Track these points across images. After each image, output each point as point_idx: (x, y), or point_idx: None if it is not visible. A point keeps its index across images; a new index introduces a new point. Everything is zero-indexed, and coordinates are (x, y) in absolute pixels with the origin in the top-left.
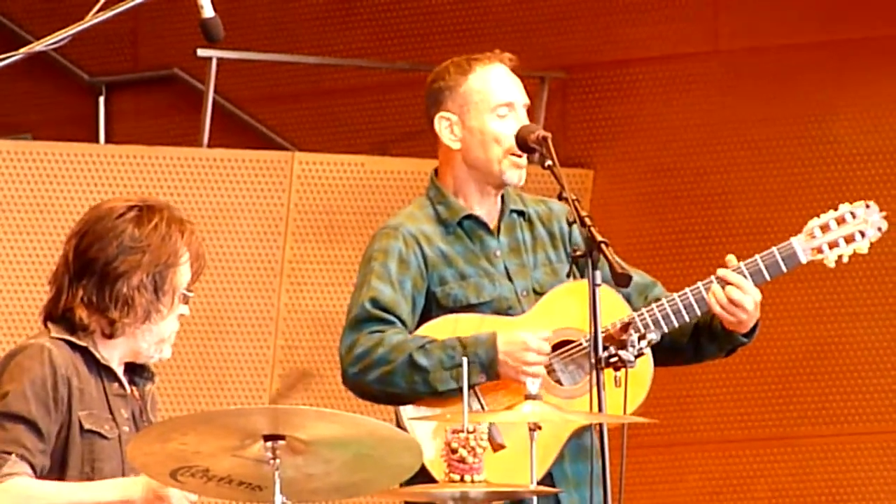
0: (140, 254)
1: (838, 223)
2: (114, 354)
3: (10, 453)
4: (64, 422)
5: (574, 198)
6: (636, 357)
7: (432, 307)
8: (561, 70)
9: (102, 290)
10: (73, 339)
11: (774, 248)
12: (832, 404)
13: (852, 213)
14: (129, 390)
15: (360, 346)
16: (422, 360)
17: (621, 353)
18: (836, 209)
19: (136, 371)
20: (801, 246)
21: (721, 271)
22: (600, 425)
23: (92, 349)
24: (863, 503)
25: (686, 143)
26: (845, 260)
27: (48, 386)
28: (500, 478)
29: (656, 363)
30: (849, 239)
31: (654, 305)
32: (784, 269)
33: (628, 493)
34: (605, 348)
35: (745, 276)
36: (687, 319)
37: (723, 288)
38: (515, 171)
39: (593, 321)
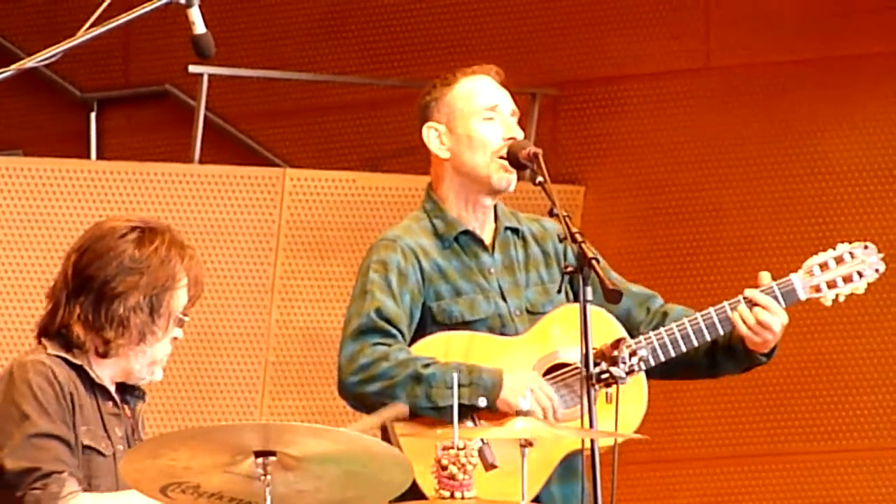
0: (138, 275)
1: (837, 262)
2: (105, 374)
3: (61, 472)
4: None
5: (565, 214)
6: (627, 374)
7: (427, 321)
8: (552, 86)
9: (99, 308)
10: (68, 356)
11: (773, 284)
12: (823, 421)
13: (851, 254)
14: (121, 410)
15: (363, 357)
16: (427, 376)
17: (612, 369)
18: (834, 248)
19: (127, 390)
20: (801, 283)
21: (749, 292)
22: (591, 443)
23: (87, 368)
24: None
25: (677, 159)
26: (841, 300)
27: (60, 402)
28: (491, 497)
29: (672, 377)
30: (847, 279)
31: (674, 325)
32: (783, 304)
33: None
34: (596, 364)
35: (777, 297)
36: (708, 339)
37: (750, 309)
38: (504, 176)
39: (584, 337)
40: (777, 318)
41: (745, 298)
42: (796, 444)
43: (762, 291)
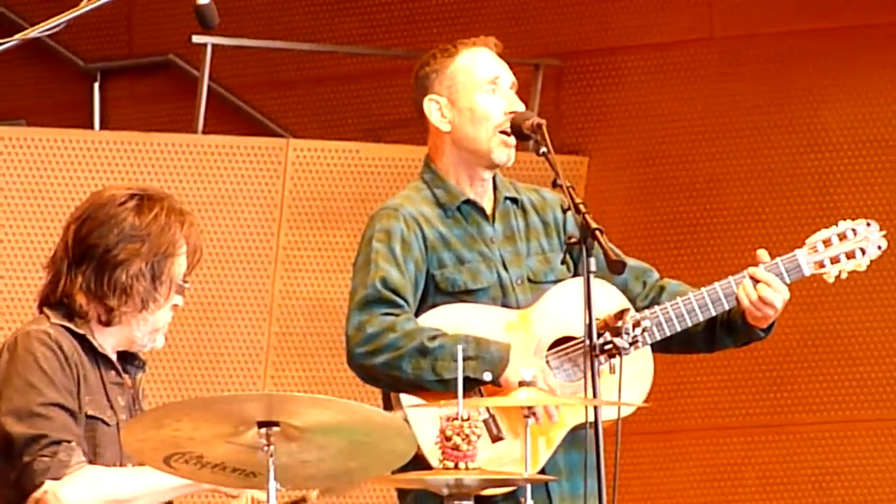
0: (139, 242)
1: (840, 239)
2: (108, 342)
3: (70, 441)
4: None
5: (568, 185)
6: (631, 344)
7: (430, 289)
8: (555, 57)
9: (101, 277)
10: (71, 326)
11: (779, 259)
12: (824, 392)
13: (853, 230)
14: (123, 379)
15: (371, 327)
16: (432, 346)
17: (616, 340)
18: (836, 225)
19: (128, 359)
20: (805, 259)
21: (751, 269)
22: (595, 412)
23: (90, 337)
24: (854, 490)
25: (680, 130)
26: (843, 276)
27: (66, 372)
28: (497, 468)
29: (669, 351)
30: (850, 255)
31: (679, 301)
32: (787, 280)
33: (621, 480)
34: (599, 335)
35: (781, 273)
36: (713, 313)
37: (754, 285)
38: (504, 150)
39: (587, 308)
40: (779, 294)
41: (749, 275)
42: (798, 415)
43: (766, 268)
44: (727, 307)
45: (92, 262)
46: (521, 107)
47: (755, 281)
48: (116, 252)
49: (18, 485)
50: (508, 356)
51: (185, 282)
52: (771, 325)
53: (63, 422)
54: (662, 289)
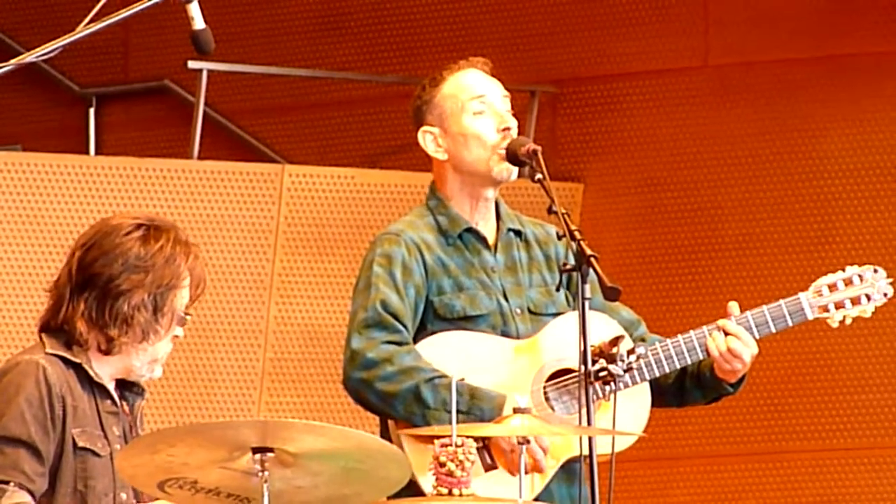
0: (143, 273)
1: (845, 284)
2: (106, 371)
3: (8, 482)
4: (58, 440)
5: (564, 211)
6: (625, 371)
7: (429, 315)
8: (551, 84)
9: (103, 306)
10: (67, 355)
11: (782, 302)
12: (821, 420)
13: (860, 276)
14: (120, 407)
15: (370, 353)
16: (427, 395)
17: (611, 367)
18: (843, 270)
19: (127, 386)
20: (809, 302)
21: (722, 322)
22: (589, 441)
23: (86, 366)
24: None
25: (676, 157)
26: (848, 322)
27: (45, 405)
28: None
29: None
30: (855, 301)
31: (657, 345)
32: (790, 323)
33: None
34: (594, 362)
35: (751, 327)
36: (688, 361)
37: (724, 336)
38: (505, 166)
39: (583, 334)
40: (748, 348)
41: (719, 326)
42: (794, 443)
43: (737, 321)
44: (700, 357)
45: (95, 290)
46: (513, 122)
47: (725, 333)
48: (120, 282)
49: None
50: (501, 412)
51: (187, 314)
52: (740, 381)
53: (15, 459)
54: (643, 340)
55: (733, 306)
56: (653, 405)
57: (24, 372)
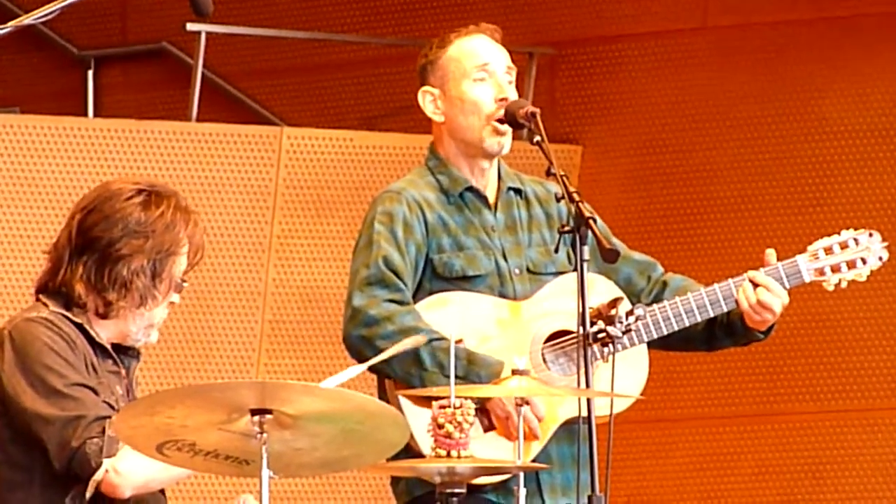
0: (143, 239)
1: (841, 248)
2: (103, 334)
3: (108, 416)
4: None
5: (562, 173)
6: (624, 333)
7: (427, 274)
8: (550, 46)
9: (102, 270)
10: (69, 314)
11: (779, 264)
12: (817, 381)
13: (855, 240)
14: (120, 368)
15: (371, 310)
16: (425, 357)
17: (609, 328)
18: (839, 234)
19: (123, 350)
20: (806, 265)
21: (752, 273)
22: (588, 403)
23: (87, 326)
24: (847, 479)
25: (675, 119)
26: (843, 285)
27: (77, 354)
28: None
29: (668, 348)
30: (850, 264)
31: (678, 300)
32: (787, 285)
33: (614, 469)
34: (592, 324)
35: (781, 277)
36: (712, 314)
37: (754, 288)
38: (496, 139)
39: (581, 296)
40: (778, 298)
41: (748, 278)
42: (790, 405)
43: (766, 272)
44: (725, 309)
45: (94, 254)
46: (513, 93)
47: (755, 285)
48: (119, 246)
49: (70, 469)
50: (499, 378)
51: (184, 280)
52: (770, 328)
53: (93, 400)
54: (665, 284)
55: (770, 254)
56: (679, 350)
57: (44, 325)
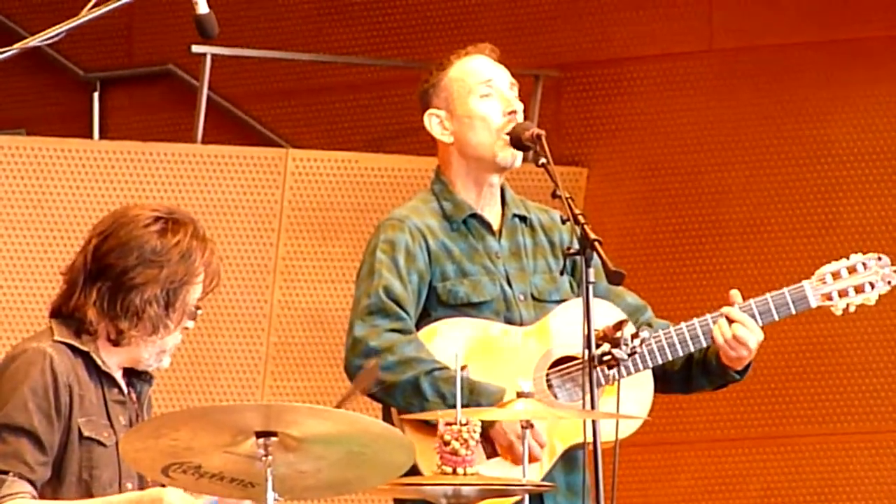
0: (158, 268)
1: (849, 272)
2: (113, 360)
3: (7, 472)
4: (64, 429)
5: (568, 196)
6: (629, 355)
7: (432, 301)
8: (555, 68)
9: (115, 298)
10: (76, 343)
11: (786, 290)
12: (824, 404)
13: (864, 264)
14: (127, 396)
15: (372, 341)
16: (426, 387)
17: (615, 351)
18: (847, 258)
19: (135, 374)
20: (812, 290)
21: (726, 309)
22: (593, 425)
23: (94, 355)
24: (854, 502)
25: (680, 141)
26: (852, 310)
27: (50, 394)
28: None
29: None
30: (858, 289)
31: (660, 333)
32: (793, 311)
33: (620, 492)
34: (598, 346)
35: (754, 314)
36: (692, 349)
37: (729, 324)
38: (509, 151)
39: (587, 319)
40: (753, 335)
41: (723, 314)
42: (795, 427)
43: (741, 308)
44: (704, 345)
45: (108, 280)
46: (519, 105)
47: (730, 321)
48: (133, 275)
49: None
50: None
51: (198, 307)
52: (746, 368)
53: (16, 448)
54: (650, 326)
55: (735, 295)
56: (660, 392)
57: (30, 360)
